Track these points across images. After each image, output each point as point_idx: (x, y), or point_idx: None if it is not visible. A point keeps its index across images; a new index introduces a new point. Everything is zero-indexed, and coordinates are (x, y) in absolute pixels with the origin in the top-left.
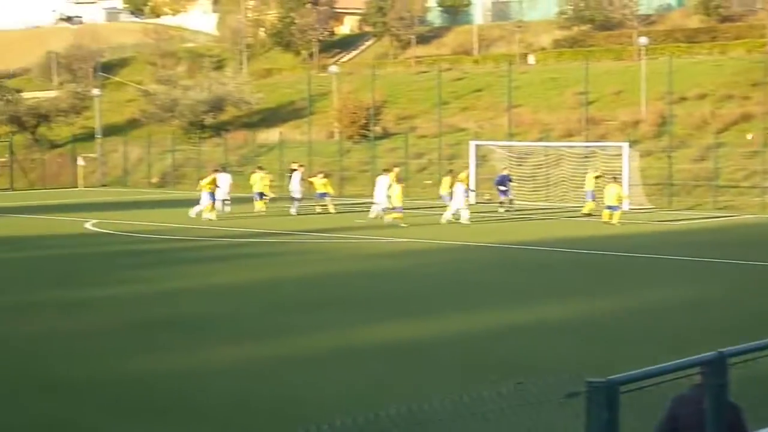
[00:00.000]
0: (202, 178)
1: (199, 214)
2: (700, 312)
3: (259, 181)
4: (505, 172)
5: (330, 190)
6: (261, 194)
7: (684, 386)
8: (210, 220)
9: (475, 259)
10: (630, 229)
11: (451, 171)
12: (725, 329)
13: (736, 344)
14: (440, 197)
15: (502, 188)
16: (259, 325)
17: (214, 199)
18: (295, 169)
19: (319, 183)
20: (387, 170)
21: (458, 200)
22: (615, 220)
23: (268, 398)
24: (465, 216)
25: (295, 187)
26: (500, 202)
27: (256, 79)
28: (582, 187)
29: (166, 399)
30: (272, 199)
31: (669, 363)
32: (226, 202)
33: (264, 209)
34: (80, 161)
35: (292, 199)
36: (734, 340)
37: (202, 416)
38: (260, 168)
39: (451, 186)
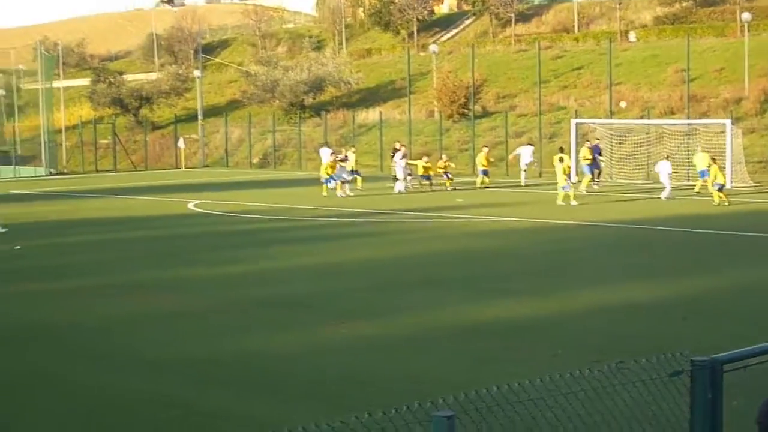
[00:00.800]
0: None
1: (332, 191)
2: None
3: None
4: (596, 143)
5: (431, 171)
6: (354, 172)
7: None
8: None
9: (577, 237)
10: (733, 208)
11: (562, 149)
12: None
13: None
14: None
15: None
16: (362, 305)
17: (333, 179)
18: (397, 149)
19: (422, 166)
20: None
21: (665, 178)
22: (717, 200)
23: (376, 375)
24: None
25: (399, 167)
26: (592, 180)
27: (355, 59)
28: (683, 165)
29: (275, 377)
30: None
31: None
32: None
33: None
34: (181, 143)
35: (395, 178)
36: None
37: (313, 393)
38: (352, 146)
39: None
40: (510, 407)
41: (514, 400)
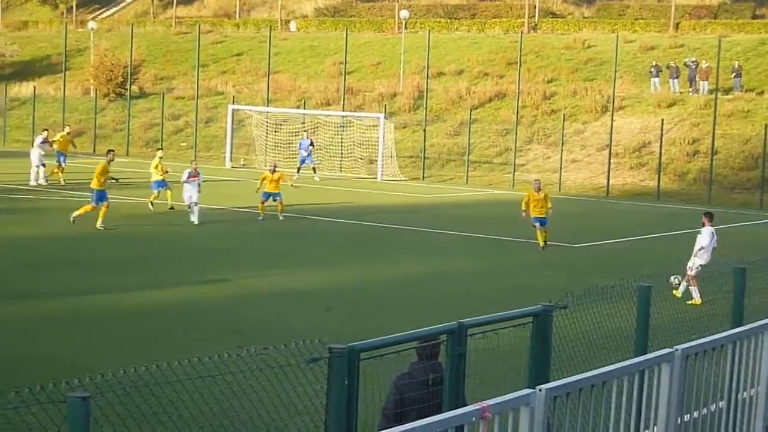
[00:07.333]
0: None
1: None
2: (447, 283)
3: None
4: (306, 138)
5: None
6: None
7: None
8: None
9: (228, 223)
10: (383, 201)
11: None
12: (475, 300)
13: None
14: None
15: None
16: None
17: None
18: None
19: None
20: None
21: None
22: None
23: (4, 355)
24: None
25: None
26: (313, 169)
27: (11, 30)
28: (336, 156)
29: None
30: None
31: (408, 332)
32: None
33: None
34: None
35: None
36: (482, 311)
37: None
38: None
39: None
40: (147, 389)
41: (152, 383)
